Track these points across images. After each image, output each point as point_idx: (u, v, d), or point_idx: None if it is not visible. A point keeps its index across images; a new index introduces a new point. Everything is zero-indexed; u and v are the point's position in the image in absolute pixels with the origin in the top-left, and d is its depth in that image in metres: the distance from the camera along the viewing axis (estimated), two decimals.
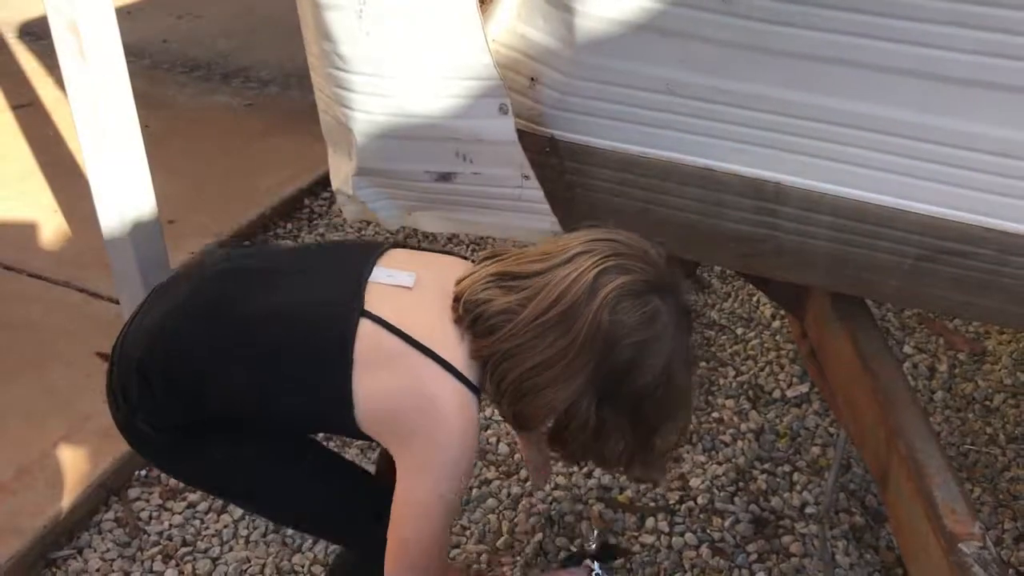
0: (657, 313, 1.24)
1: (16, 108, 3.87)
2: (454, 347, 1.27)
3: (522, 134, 1.38)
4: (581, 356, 1.22)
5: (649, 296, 1.23)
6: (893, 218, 1.27)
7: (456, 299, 1.30)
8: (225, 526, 2.10)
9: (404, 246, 1.43)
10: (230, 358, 1.34)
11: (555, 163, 1.43)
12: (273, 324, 1.32)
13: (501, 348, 1.24)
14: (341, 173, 1.62)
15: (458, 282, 1.32)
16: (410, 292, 1.32)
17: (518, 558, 2.02)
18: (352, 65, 1.37)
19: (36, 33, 4.58)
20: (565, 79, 1.33)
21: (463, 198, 1.50)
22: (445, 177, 1.45)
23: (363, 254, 1.38)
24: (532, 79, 1.37)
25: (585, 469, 2.24)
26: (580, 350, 1.21)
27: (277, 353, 1.31)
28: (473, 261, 1.38)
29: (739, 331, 2.72)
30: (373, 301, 1.30)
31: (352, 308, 1.28)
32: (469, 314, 1.27)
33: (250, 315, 1.34)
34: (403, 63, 1.33)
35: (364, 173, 1.53)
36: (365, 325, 1.27)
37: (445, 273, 1.35)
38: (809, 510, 2.15)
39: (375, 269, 1.34)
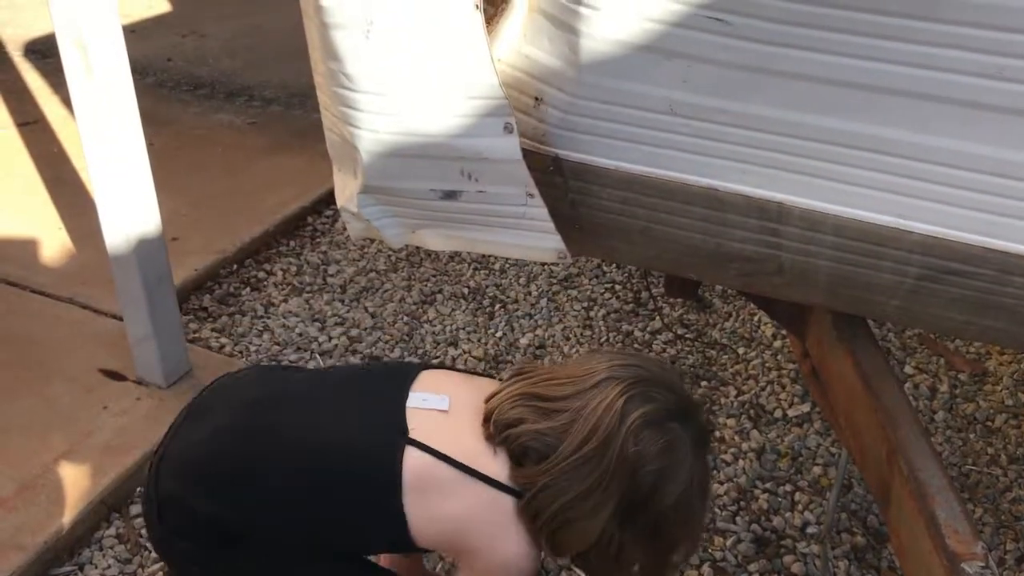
0: (677, 441, 1.33)
1: (22, 125, 3.89)
2: (495, 464, 1.36)
3: (527, 153, 1.39)
4: (611, 485, 1.30)
5: (670, 424, 1.33)
6: (894, 238, 1.27)
7: (486, 418, 1.39)
8: None
9: (430, 366, 1.53)
10: (277, 490, 1.39)
11: (559, 182, 1.44)
12: (321, 457, 1.40)
13: (540, 481, 1.32)
14: (346, 191, 1.63)
15: (487, 400, 1.41)
16: (446, 415, 1.40)
17: None
18: (359, 84, 1.38)
19: (41, 51, 4.62)
20: (569, 99, 1.34)
21: (468, 216, 1.50)
22: (450, 195, 1.46)
23: (398, 379, 1.46)
24: (537, 99, 1.38)
25: None
26: (611, 480, 1.30)
27: (328, 485, 1.38)
28: (500, 379, 1.48)
29: (740, 350, 2.73)
30: (415, 427, 1.38)
31: (397, 436, 1.37)
32: (500, 433, 1.36)
33: (297, 447, 1.41)
34: (409, 82, 1.34)
35: (369, 191, 1.54)
36: (411, 452, 1.36)
37: (476, 394, 1.44)
38: (811, 530, 2.15)
39: (410, 395, 1.42)
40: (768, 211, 1.34)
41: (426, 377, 1.48)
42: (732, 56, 1.19)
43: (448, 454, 1.36)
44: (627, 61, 1.26)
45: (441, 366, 1.55)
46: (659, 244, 1.49)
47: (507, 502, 1.35)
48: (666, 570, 1.45)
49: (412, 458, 1.36)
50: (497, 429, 1.36)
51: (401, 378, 1.47)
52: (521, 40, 1.38)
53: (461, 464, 1.35)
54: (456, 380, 1.51)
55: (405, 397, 1.42)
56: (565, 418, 1.32)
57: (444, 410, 1.40)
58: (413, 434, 1.37)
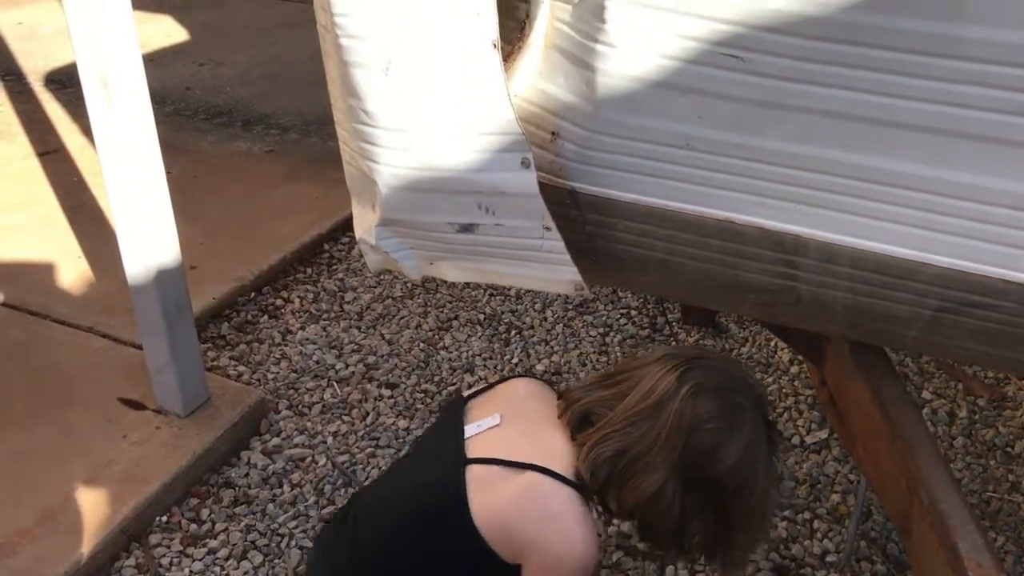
0: (735, 407, 1.38)
1: (42, 155, 3.94)
2: (556, 456, 1.42)
3: (544, 187, 1.41)
4: (668, 442, 1.35)
5: (731, 394, 1.39)
6: (913, 270, 1.28)
7: (559, 395, 1.53)
8: (245, 572, 2.10)
9: (475, 394, 1.60)
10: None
11: (576, 215, 1.46)
12: (401, 504, 1.53)
13: (597, 436, 1.39)
14: (365, 223, 1.64)
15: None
16: (501, 427, 1.49)
17: None
18: (378, 121, 1.40)
19: (61, 82, 4.68)
20: (586, 134, 1.36)
21: (485, 249, 1.52)
22: (467, 228, 1.48)
23: (452, 423, 1.55)
24: (553, 133, 1.40)
25: (604, 516, 2.24)
26: (667, 436, 1.35)
27: (416, 532, 1.48)
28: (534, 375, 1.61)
29: (757, 376, 2.72)
30: (473, 449, 1.47)
31: (460, 464, 1.45)
32: (569, 406, 1.46)
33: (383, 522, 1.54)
34: (428, 119, 1.36)
35: (387, 224, 1.55)
36: (472, 469, 1.44)
37: (520, 396, 1.55)
38: (830, 558, 2.14)
39: (465, 428, 1.51)
40: (785, 243, 1.35)
41: (475, 405, 1.57)
42: (748, 92, 1.20)
43: (501, 457, 1.42)
44: (643, 97, 1.27)
45: (483, 388, 1.62)
46: (676, 275, 1.50)
47: (560, 489, 1.38)
48: (730, 552, 1.47)
49: (473, 471, 1.43)
50: (567, 402, 1.47)
51: (454, 421, 1.55)
52: (538, 76, 1.39)
53: (513, 461, 1.41)
54: (499, 392, 1.58)
55: (462, 433, 1.50)
56: (624, 386, 1.42)
57: (497, 424, 1.49)
58: (471, 454, 1.45)
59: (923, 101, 1.13)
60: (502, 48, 1.28)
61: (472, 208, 1.41)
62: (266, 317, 2.99)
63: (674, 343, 2.85)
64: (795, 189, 1.28)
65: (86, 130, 4.09)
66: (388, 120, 1.38)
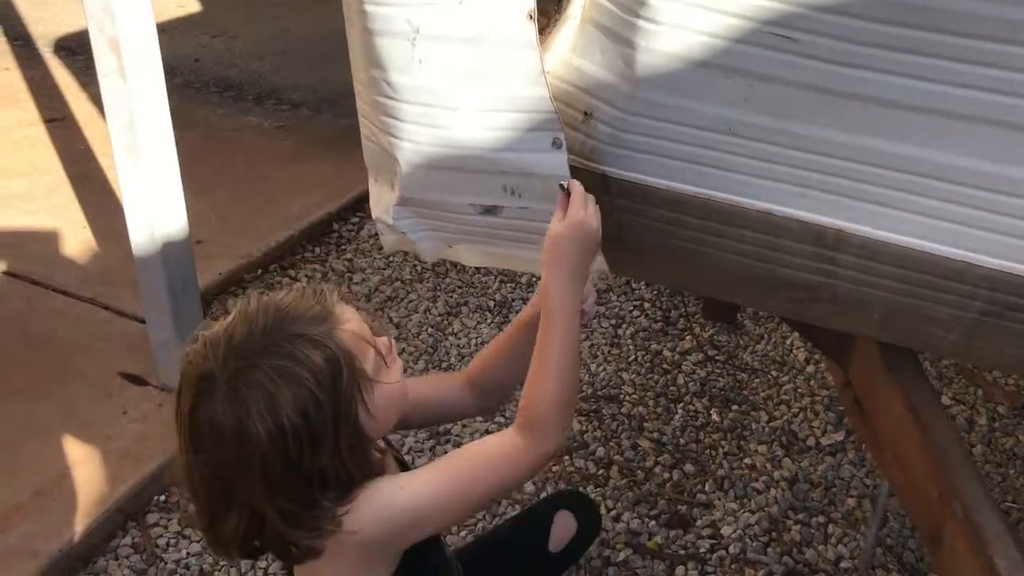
0: None
1: (49, 122, 3.87)
2: None
3: (572, 170, 1.34)
4: None
5: None
6: (960, 271, 1.21)
7: None
8: None
9: None
10: None
11: (605, 200, 1.39)
12: None
13: None
14: (382, 202, 1.58)
15: None
16: None
17: None
18: (402, 93, 1.33)
19: (71, 48, 4.61)
20: (621, 115, 1.29)
21: (508, 232, 1.45)
22: (490, 211, 1.41)
23: None
24: (586, 113, 1.33)
25: (613, 513, 2.19)
26: None
27: None
28: None
29: (772, 374, 2.66)
30: None
31: None
32: None
33: None
34: (455, 93, 1.29)
35: (406, 203, 1.49)
36: None
37: None
38: (844, 564, 2.08)
39: None
40: (825, 238, 1.28)
41: None
42: (798, 75, 1.13)
43: None
44: (685, 77, 1.20)
45: None
46: (707, 268, 1.43)
47: None
48: None
49: None
50: None
51: None
52: (572, 52, 1.32)
53: None
54: None
55: None
56: None
57: None
58: None
59: (988, 91, 1.06)
60: (538, 21, 1.22)
61: (497, 189, 1.34)
62: None
63: (688, 337, 2.79)
64: (841, 181, 1.21)
65: (94, 98, 4.02)
66: (413, 93, 1.32)
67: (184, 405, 1.09)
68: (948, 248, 1.20)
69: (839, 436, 2.44)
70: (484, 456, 1.20)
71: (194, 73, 4.51)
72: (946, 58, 1.07)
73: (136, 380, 2.43)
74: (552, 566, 1.69)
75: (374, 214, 1.64)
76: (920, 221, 1.20)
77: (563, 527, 1.65)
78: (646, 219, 1.38)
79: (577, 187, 1.26)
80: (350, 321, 1.12)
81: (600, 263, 1.42)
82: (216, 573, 2.01)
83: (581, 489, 2.24)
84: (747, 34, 1.13)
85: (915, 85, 1.09)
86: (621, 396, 2.55)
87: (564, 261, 1.24)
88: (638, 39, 1.20)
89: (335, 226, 3.30)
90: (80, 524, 2.01)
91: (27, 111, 3.98)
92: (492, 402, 1.51)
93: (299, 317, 1.09)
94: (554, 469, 2.31)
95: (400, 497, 1.13)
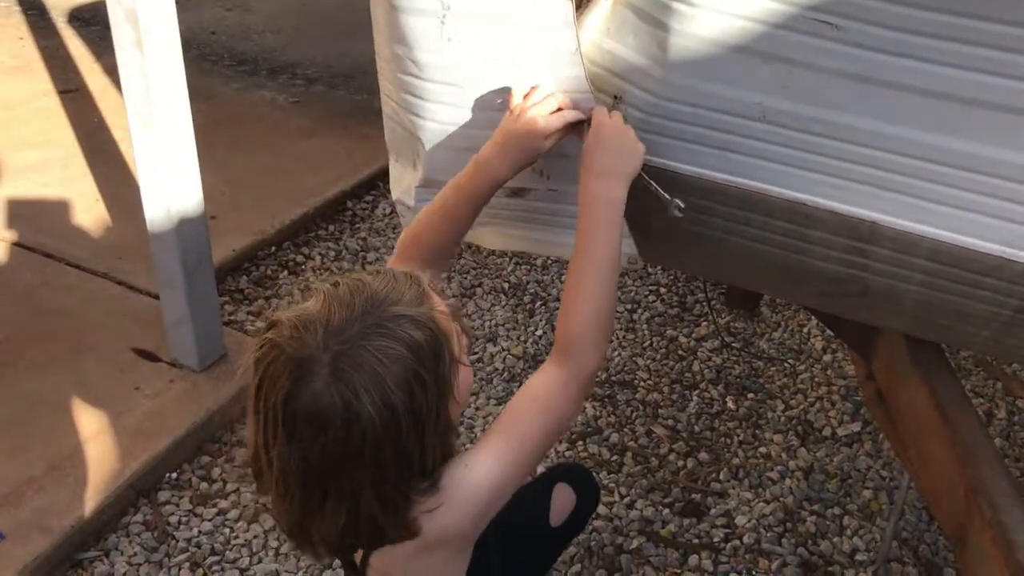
0: None
1: (63, 93, 3.84)
2: None
3: None
4: None
5: None
6: (997, 267, 1.18)
7: None
8: (255, 536, 2.04)
9: None
10: None
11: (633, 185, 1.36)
12: None
13: None
14: (403, 183, 1.55)
15: None
16: None
17: None
18: (428, 72, 1.30)
19: (85, 19, 4.57)
20: (653, 99, 1.26)
21: (534, 215, 1.43)
22: (518, 193, 1.38)
23: None
24: (616, 97, 1.30)
25: (627, 500, 2.17)
26: None
27: None
28: None
29: (789, 363, 2.63)
30: None
31: None
32: None
33: None
34: (485, 73, 1.26)
35: (429, 184, 1.46)
36: None
37: None
38: (860, 557, 2.07)
39: None
40: (859, 230, 1.25)
41: None
42: (839, 63, 1.10)
43: None
44: (721, 62, 1.17)
45: None
46: (735, 257, 1.41)
47: None
48: None
49: None
50: None
51: None
52: (603, 35, 1.29)
53: None
54: None
55: None
56: None
57: None
58: None
59: None
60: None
61: (526, 171, 1.31)
62: (286, 273, 2.91)
63: (705, 324, 2.77)
64: (877, 172, 1.18)
65: (109, 69, 3.99)
66: (440, 72, 1.29)
67: (275, 394, 1.00)
68: (985, 243, 1.17)
69: (856, 427, 2.42)
70: (531, 402, 1.16)
71: (209, 46, 4.47)
72: (992, 47, 1.03)
73: (149, 356, 2.41)
74: (556, 540, 1.69)
75: (394, 195, 1.62)
76: (957, 215, 1.16)
77: (562, 500, 1.63)
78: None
79: (599, 106, 1.25)
80: (440, 304, 1.09)
81: (630, 247, 1.40)
82: (227, 551, 2.01)
83: (595, 475, 2.22)
84: (787, 19, 1.10)
85: (958, 76, 1.05)
86: (636, 382, 2.53)
87: (593, 166, 1.22)
88: (673, 22, 1.16)
89: (349, 204, 3.28)
90: (92, 500, 2.00)
91: (41, 81, 3.95)
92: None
93: (398, 299, 1.04)
94: (567, 454, 2.29)
95: (475, 481, 1.10)
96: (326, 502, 1.03)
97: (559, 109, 1.25)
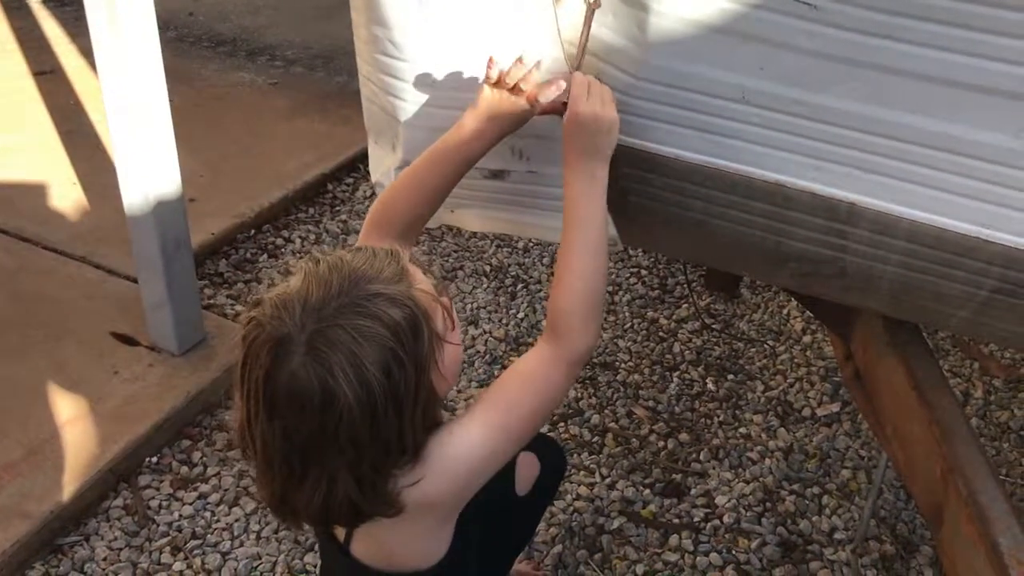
0: None
1: (38, 75, 3.80)
2: None
3: None
4: None
5: None
6: (974, 248, 1.19)
7: None
8: (236, 520, 2.04)
9: None
10: None
11: (611, 169, 1.36)
12: None
13: None
14: (383, 165, 1.54)
15: None
16: None
17: (537, 572, 1.95)
18: (406, 53, 1.30)
19: None
20: (631, 80, 1.25)
21: (513, 197, 1.43)
22: (497, 175, 1.38)
23: None
24: (595, 78, 1.29)
25: (607, 481, 2.18)
26: None
27: None
28: None
29: (769, 344, 2.65)
30: None
31: None
32: None
33: None
34: (463, 53, 1.25)
35: (408, 166, 1.45)
36: None
37: None
38: (838, 535, 2.09)
39: None
40: (837, 211, 1.26)
41: None
42: (818, 44, 1.10)
43: None
44: (700, 43, 1.17)
45: None
46: (713, 239, 1.41)
47: None
48: None
49: None
50: None
51: None
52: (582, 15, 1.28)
53: None
54: None
55: None
56: None
57: None
58: None
59: (1011, 63, 1.03)
60: None
61: (504, 152, 1.31)
62: (265, 256, 2.90)
63: (686, 305, 2.78)
64: (856, 153, 1.19)
65: (84, 51, 3.95)
66: (418, 53, 1.28)
67: (256, 371, 1.01)
68: (962, 224, 1.18)
69: (835, 407, 2.44)
70: (520, 379, 1.18)
71: (187, 27, 4.42)
72: (969, 28, 1.04)
73: (127, 340, 2.40)
74: (526, 509, 1.66)
75: (374, 178, 1.61)
76: (935, 195, 1.17)
77: (526, 469, 1.61)
78: (652, 188, 1.35)
79: (578, 78, 1.24)
80: (422, 281, 1.09)
81: (609, 229, 1.40)
82: (208, 535, 2.00)
83: (576, 456, 2.23)
84: (767, 0, 1.10)
85: (936, 56, 1.06)
86: (617, 363, 2.54)
87: (573, 148, 1.22)
88: (652, 3, 1.16)
89: (329, 186, 3.26)
90: (71, 485, 1.99)
91: (15, 63, 3.90)
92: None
93: (376, 277, 1.04)
94: (549, 434, 2.30)
95: (460, 449, 1.11)
96: (306, 479, 1.03)
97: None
